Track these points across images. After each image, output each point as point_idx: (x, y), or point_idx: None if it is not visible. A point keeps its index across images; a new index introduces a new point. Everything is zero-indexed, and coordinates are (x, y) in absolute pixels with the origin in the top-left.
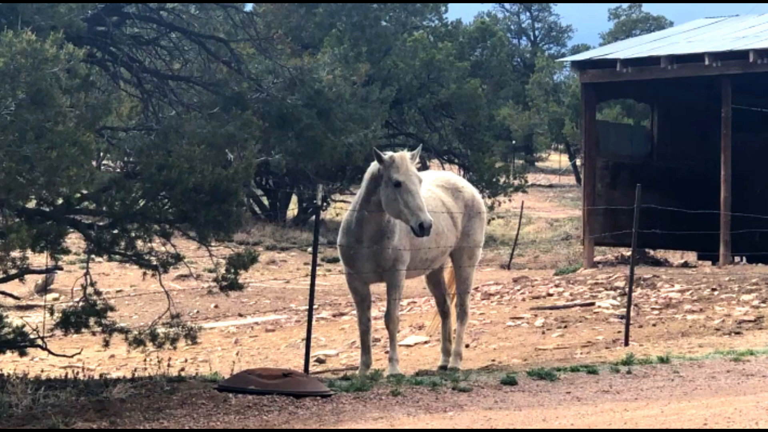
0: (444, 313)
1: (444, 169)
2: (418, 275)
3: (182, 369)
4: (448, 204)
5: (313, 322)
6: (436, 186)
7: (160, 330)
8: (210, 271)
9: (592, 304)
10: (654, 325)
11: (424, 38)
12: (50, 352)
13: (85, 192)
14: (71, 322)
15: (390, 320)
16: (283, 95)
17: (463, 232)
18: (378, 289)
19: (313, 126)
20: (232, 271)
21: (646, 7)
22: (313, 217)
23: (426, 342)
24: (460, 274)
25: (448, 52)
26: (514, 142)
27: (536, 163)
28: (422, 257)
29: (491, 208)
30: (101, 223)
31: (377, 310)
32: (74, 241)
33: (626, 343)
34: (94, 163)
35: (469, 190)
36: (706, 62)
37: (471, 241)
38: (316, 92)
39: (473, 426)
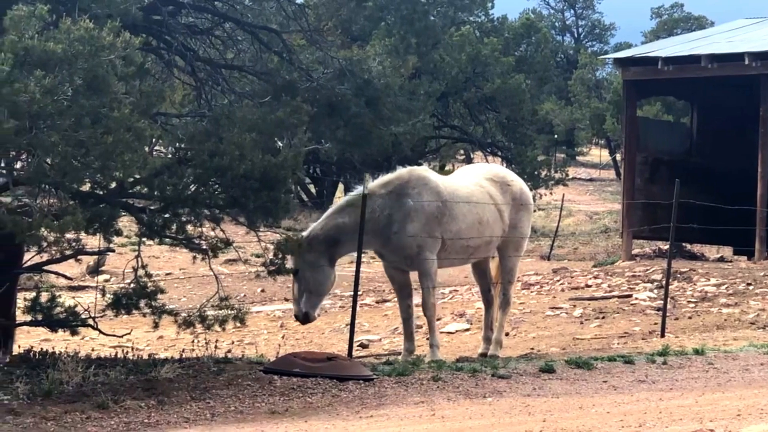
0: (487, 303)
1: (486, 161)
2: (461, 264)
3: (229, 351)
4: (495, 196)
5: (357, 308)
6: (485, 179)
7: (210, 312)
8: (258, 256)
9: (630, 296)
10: (690, 317)
11: (471, 33)
12: (101, 332)
13: (138, 176)
14: (122, 303)
15: (426, 308)
16: (332, 85)
17: (510, 225)
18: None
19: (362, 115)
20: (280, 256)
21: (688, 7)
22: None
23: (467, 329)
24: (505, 265)
25: (493, 47)
26: (556, 136)
27: (577, 158)
28: (463, 245)
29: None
30: (153, 207)
31: (419, 298)
32: (125, 224)
33: (662, 335)
34: (146, 148)
35: (518, 183)
36: (746, 62)
37: (518, 232)
38: (365, 82)
39: (512, 412)
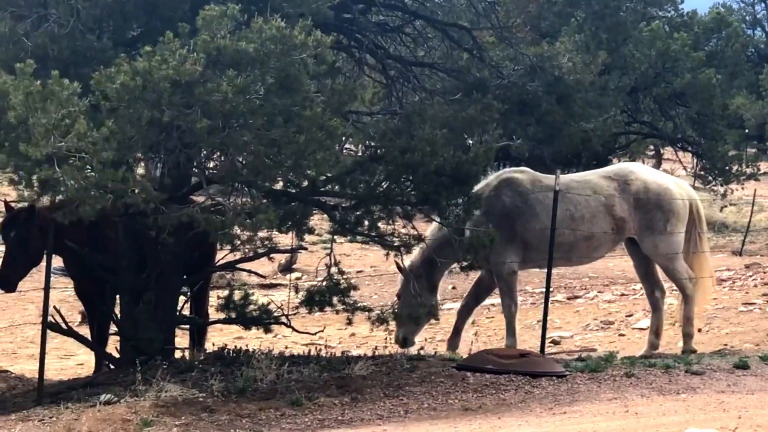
0: (653, 305)
1: (677, 157)
2: (563, 264)
3: (421, 348)
4: (602, 191)
5: (549, 305)
6: (599, 175)
7: None
8: None
9: None
10: None
11: (660, 28)
12: (294, 330)
13: (330, 174)
14: (315, 300)
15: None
16: (523, 82)
17: (639, 224)
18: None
19: (553, 112)
20: (471, 252)
21: None
22: None
23: None
24: (657, 265)
25: (683, 42)
26: (746, 131)
27: None
28: (557, 241)
29: (723, 195)
30: (345, 205)
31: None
32: (316, 222)
33: None
34: (337, 146)
35: (642, 182)
36: None
37: (653, 232)
38: (556, 78)
39: (706, 408)
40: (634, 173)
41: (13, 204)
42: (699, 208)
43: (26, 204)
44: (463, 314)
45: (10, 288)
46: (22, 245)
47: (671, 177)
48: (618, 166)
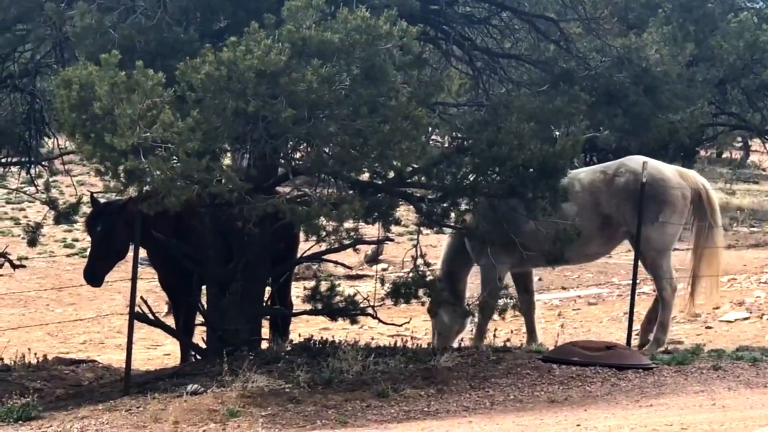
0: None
1: (765, 148)
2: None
3: (507, 340)
4: (590, 187)
5: (635, 297)
6: (593, 171)
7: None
8: None
9: None
10: None
11: (749, 19)
12: (380, 321)
13: (416, 166)
14: (401, 292)
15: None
16: (610, 73)
17: (632, 218)
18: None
19: (640, 103)
20: (558, 245)
21: None
22: None
23: (746, 318)
24: (645, 261)
25: None
26: None
27: None
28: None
29: None
30: (431, 196)
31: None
32: (402, 213)
33: None
34: (423, 137)
35: (631, 173)
36: None
37: (644, 224)
38: (643, 70)
39: None
40: (624, 165)
41: (99, 197)
42: (711, 199)
43: (113, 198)
44: (527, 310)
45: (97, 283)
46: (108, 240)
47: (672, 167)
48: (618, 161)
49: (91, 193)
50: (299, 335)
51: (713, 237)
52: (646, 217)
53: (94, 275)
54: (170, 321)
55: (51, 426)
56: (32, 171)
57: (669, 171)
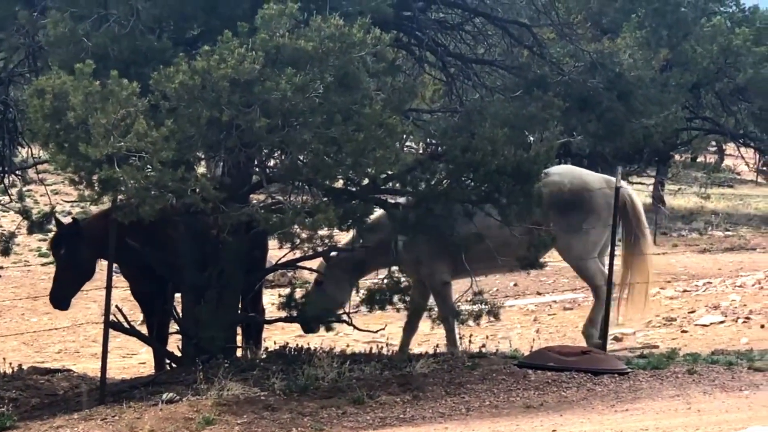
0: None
1: (739, 153)
2: (492, 272)
3: (483, 345)
4: None
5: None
6: None
7: (463, 307)
8: None
9: None
10: None
11: (722, 24)
12: (355, 328)
13: (390, 172)
14: (376, 299)
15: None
16: (583, 78)
17: (556, 227)
18: None
19: (614, 108)
20: (532, 250)
21: None
22: None
23: (721, 321)
24: (572, 267)
25: (745, 37)
26: None
27: None
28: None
29: None
30: (405, 203)
31: None
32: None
33: None
34: (398, 144)
35: (557, 184)
36: None
37: (566, 233)
38: (617, 75)
39: None
40: (555, 175)
41: (72, 207)
42: (635, 205)
43: (79, 215)
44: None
45: (64, 306)
46: (72, 262)
47: (597, 175)
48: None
49: (55, 214)
50: (275, 342)
51: (640, 246)
52: (569, 227)
53: (60, 299)
54: (145, 330)
55: None
56: (6, 180)
57: (593, 179)
